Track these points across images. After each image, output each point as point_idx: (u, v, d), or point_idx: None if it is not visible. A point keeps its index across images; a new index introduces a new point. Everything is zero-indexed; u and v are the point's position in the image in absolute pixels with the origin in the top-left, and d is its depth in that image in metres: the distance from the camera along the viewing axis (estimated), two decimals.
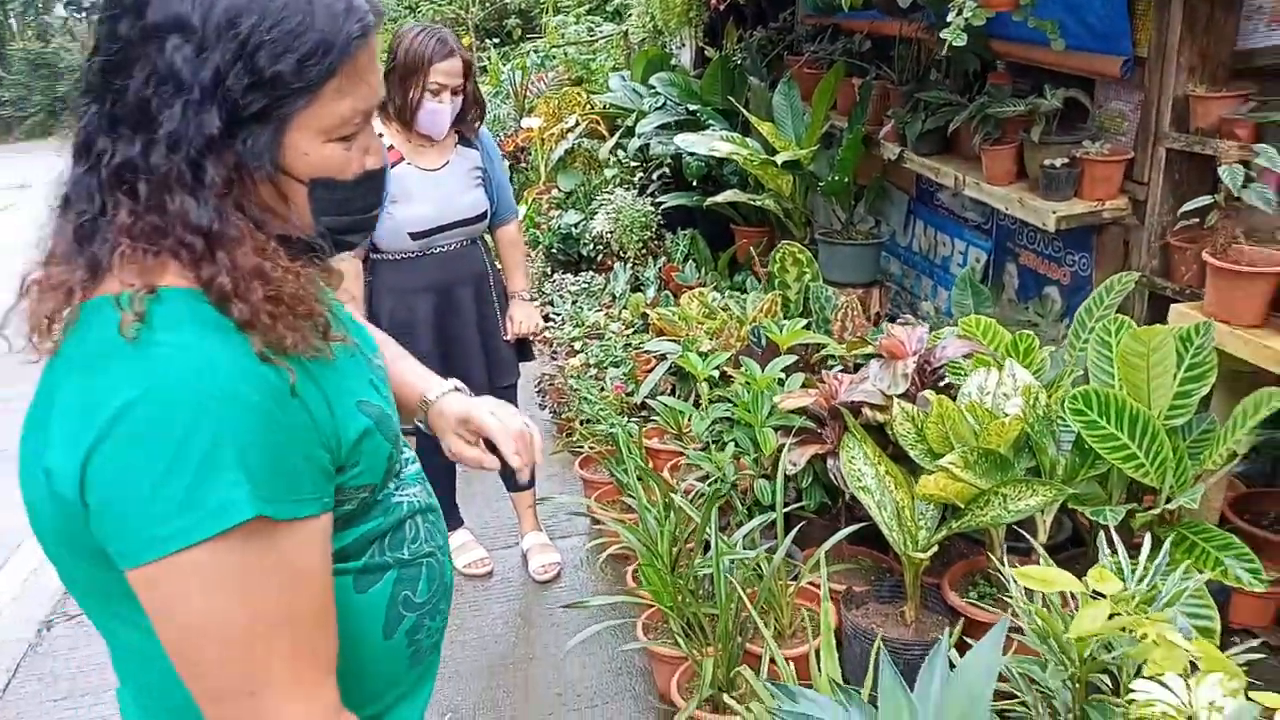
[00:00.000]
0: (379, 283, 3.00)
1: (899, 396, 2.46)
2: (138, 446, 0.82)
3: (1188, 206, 2.61)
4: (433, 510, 1.18)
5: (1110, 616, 1.49)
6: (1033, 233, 3.70)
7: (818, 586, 2.61)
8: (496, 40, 9.70)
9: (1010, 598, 1.78)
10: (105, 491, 0.84)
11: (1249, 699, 1.25)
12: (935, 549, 2.31)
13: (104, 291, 0.91)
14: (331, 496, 0.95)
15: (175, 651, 0.88)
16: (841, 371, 2.80)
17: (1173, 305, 2.54)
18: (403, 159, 2.94)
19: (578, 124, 5.83)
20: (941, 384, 2.63)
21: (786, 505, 2.62)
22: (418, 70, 2.80)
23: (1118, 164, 3.10)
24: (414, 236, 2.95)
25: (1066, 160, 3.17)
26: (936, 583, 2.53)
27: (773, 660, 2.16)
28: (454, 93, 2.87)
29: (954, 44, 2.66)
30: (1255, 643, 1.64)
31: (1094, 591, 1.48)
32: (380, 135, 2.95)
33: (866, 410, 2.50)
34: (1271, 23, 3.03)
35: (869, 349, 2.86)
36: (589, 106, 6.06)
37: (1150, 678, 1.28)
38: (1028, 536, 2.23)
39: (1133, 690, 1.27)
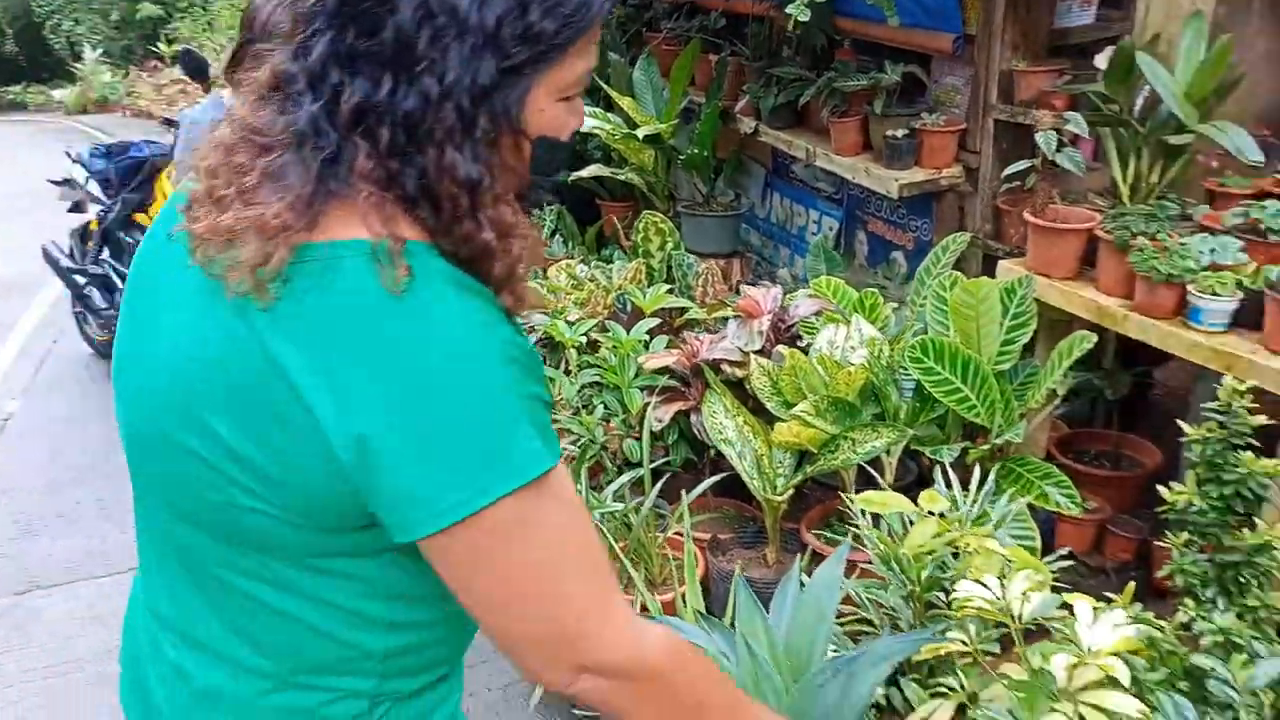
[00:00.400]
0: None
1: (755, 353, 2.60)
2: (433, 406, 0.80)
3: (1009, 170, 2.84)
4: None
5: (942, 536, 1.65)
6: (880, 201, 3.92)
7: (693, 538, 2.74)
8: None
9: (857, 527, 1.94)
10: (399, 453, 0.81)
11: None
12: (792, 493, 2.46)
13: (333, 237, 0.84)
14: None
15: (490, 606, 0.87)
16: (703, 333, 2.93)
17: (1000, 262, 2.76)
18: None
19: None
20: (796, 342, 2.79)
21: (654, 462, 2.73)
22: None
23: (952, 134, 3.33)
24: None
25: (907, 131, 3.38)
26: (795, 526, 2.69)
27: (645, 606, 2.27)
28: None
29: (799, 20, 2.80)
30: (1065, 551, 1.84)
31: (927, 511, 1.63)
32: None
33: (726, 367, 2.63)
34: (1084, 4, 3.32)
35: (728, 311, 3.00)
36: None
37: (972, 580, 1.43)
38: (876, 477, 2.41)
39: (955, 591, 1.42)
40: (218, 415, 0.85)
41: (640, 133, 4.17)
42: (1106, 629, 1.24)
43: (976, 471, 2.04)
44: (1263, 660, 1.23)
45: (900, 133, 3.37)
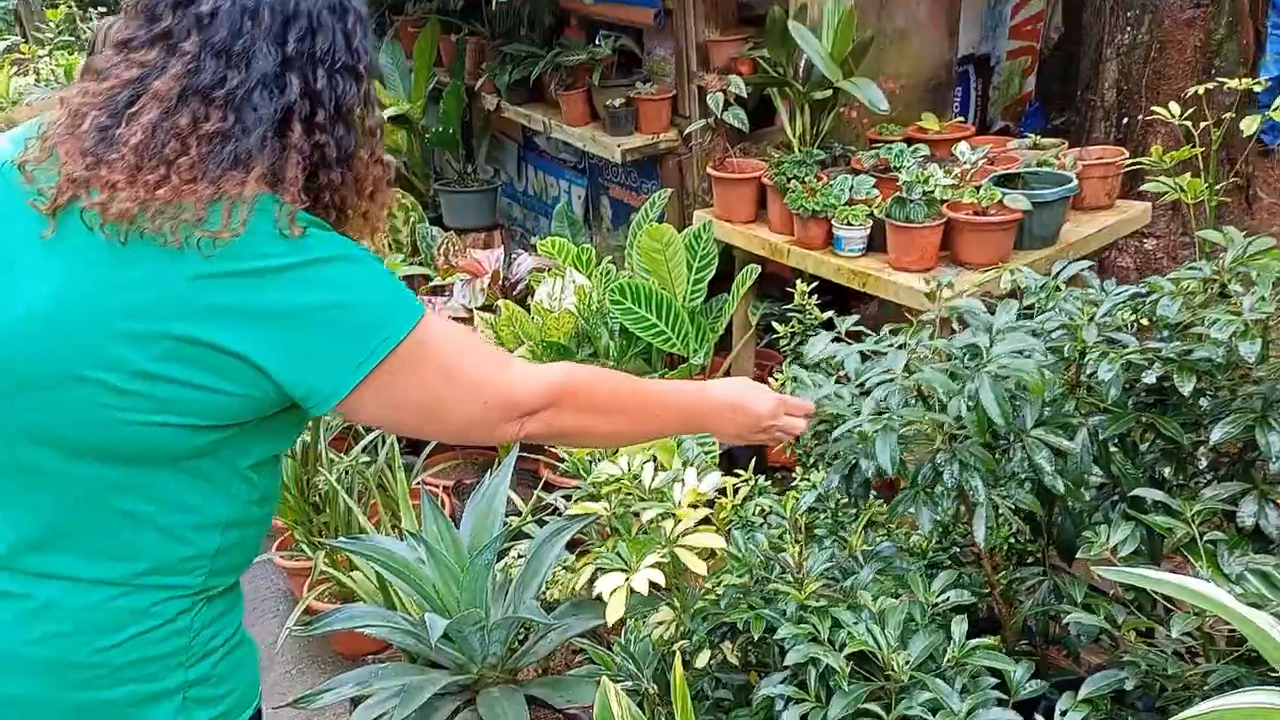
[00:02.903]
0: None
1: (480, 309, 2.83)
2: (337, 304, 1.07)
3: (689, 129, 3.18)
4: None
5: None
6: (616, 168, 4.23)
7: (432, 485, 2.95)
8: (103, 8, 8.92)
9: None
10: (323, 343, 1.05)
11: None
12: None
13: (257, 193, 1.06)
14: None
15: (426, 417, 1.14)
16: (438, 296, 3.14)
17: (696, 212, 3.11)
18: None
19: None
20: (528, 298, 3.04)
21: None
22: None
23: (664, 101, 3.66)
24: None
25: (624, 100, 3.69)
26: (533, 467, 2.95)
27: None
28: None
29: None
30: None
31: None
32: None
33: None
34: None
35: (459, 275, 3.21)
36: None
37: (609, 462, 1.72)
38: None
39: (596, 470, 1.71)
40: (136, 350, 1.03)
41: (386, 114, 4.29)
42: (690, 490, 1.55)
43: None
44: (806, 494, 1.58)
45: (618, 102, 3.67)
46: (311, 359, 1.07)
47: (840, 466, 1.43)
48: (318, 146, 1.11)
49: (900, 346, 1.39)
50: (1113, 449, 1.35)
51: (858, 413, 1.38)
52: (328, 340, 1.07)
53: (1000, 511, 1.33)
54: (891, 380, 1.32)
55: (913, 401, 1.36)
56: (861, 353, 1.49)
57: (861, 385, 1.40)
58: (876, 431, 1.27)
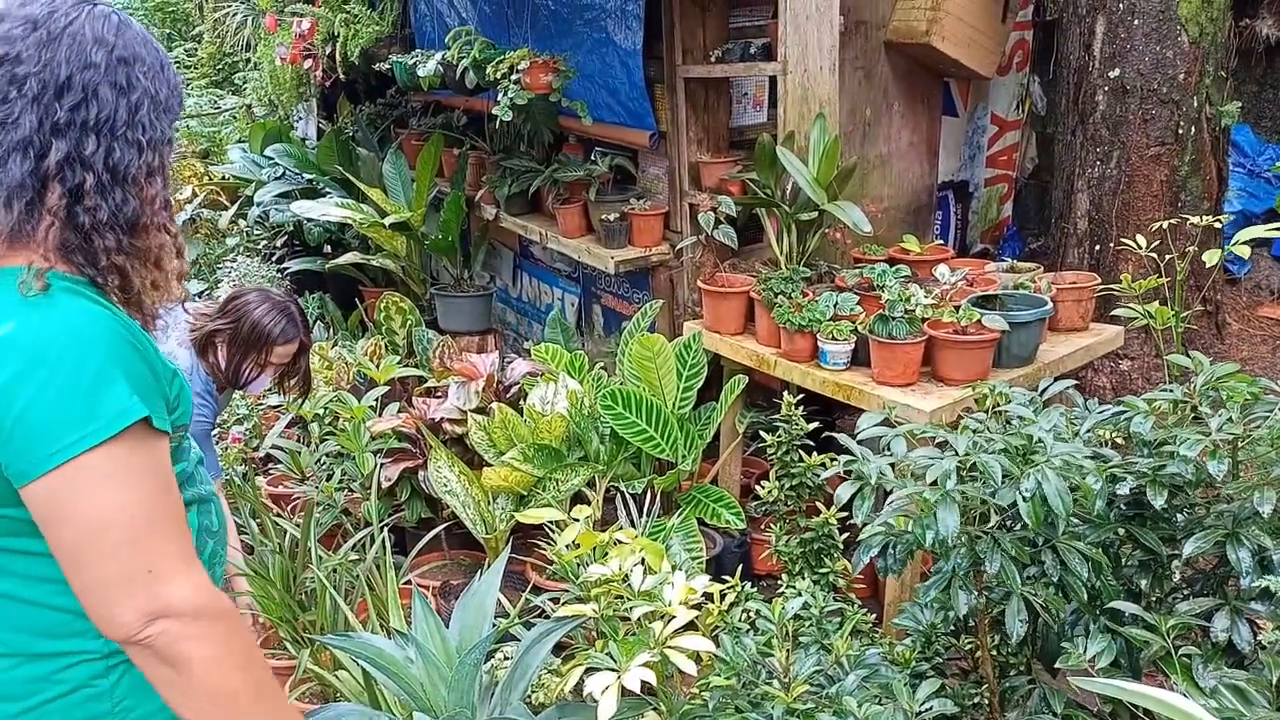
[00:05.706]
0: None
1: (474, 411, 2.90)
2: (39, 377, 1.06)
3: (680, 245, 3.31)
4: (200, 460, 1.40)
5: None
6: (609, 278, 4.36)
7: (420, 585, 2.95)
8: None
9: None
10: (19, 419, 1.03)
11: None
12: (510, 532, 2.74)
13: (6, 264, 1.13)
14: (170, 426, 1.16)
15: (81, 548, 1.05)
16: (432, 397, 3.20)
17: (686, 323, 3.21)
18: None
19: (195, 194, 5.86)
20: (520, 401, 3.11)
21: (391, 519, 2.94)
22: (260, 348, 2.70)
23: (657, 217, 3.82)
24: None
25: (618, 215, 3.84)
26: (520, 569, 2.97)
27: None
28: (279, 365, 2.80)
29: (502, 118, 3.20)
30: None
31: (574, 519, 1.96)
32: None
33: (448, 425, 2.91)
34: (756, 105, 3.92)
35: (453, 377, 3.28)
36: (206, 178, 6.10)
37: (598, 564, 1.76)
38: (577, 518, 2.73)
39: (587, 572, 1.74)
40: None
41: (387, 220, 4.44)
42: (681, 590, 1.59)
43: (649, 498, 2.40)
44: (792, 600, 1.62)
45: (612, 216, 3.82)
46: (16, 432, 1.05)
47: (879, 540, 1.48)
48: (88, 210, 1.13)
49: (962, 431, 1.46)
50: (1097, 560, 1.40)
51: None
52: (33, 413, 1.04)
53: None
54: (953, 458, 1.39)
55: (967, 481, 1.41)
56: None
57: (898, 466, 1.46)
58: (938, 500, 1.32)
